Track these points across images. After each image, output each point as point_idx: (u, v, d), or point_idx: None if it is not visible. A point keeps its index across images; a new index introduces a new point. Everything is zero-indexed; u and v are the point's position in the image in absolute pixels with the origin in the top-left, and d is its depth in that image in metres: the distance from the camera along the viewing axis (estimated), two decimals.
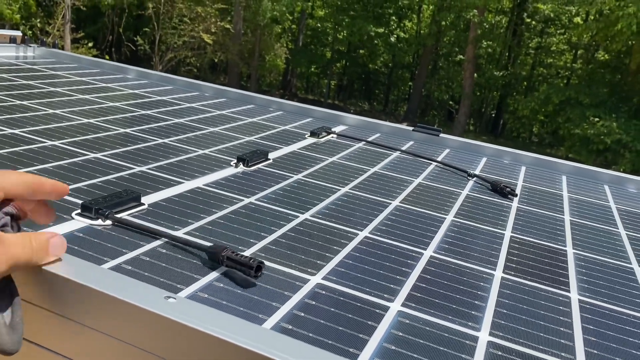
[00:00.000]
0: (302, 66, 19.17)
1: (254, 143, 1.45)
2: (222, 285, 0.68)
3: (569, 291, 0.83)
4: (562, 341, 0.68)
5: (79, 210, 0.82)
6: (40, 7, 14.39)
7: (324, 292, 0.71)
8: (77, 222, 0.80)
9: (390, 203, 1.12)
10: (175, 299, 0.56)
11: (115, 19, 15.63)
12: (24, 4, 13.23)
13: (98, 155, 1.16)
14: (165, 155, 1.22)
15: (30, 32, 13.22)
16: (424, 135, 1.79)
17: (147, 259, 0.72)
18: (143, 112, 1.62)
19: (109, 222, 0.81)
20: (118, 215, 0.84)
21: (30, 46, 2.30)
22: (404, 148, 1.64)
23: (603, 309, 0.79)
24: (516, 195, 1.31)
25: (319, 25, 19.58)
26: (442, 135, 1.77)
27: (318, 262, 0.80)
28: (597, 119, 11.45)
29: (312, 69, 21.10)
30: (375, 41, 17.31)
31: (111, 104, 1.66)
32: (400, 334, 0.64)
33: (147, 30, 15.51)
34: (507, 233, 1.06)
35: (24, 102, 1.50)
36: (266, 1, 13.29)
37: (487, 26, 16.37)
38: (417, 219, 1.05)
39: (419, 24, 19.59)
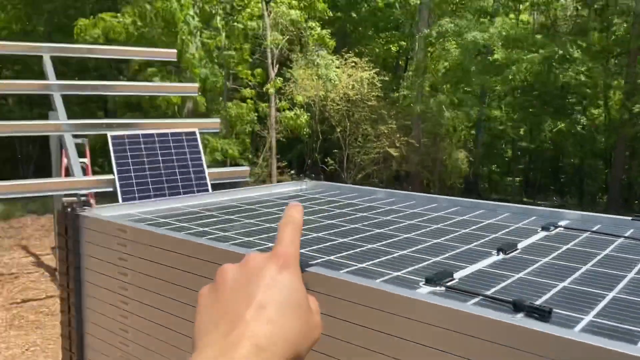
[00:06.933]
0: (487, 165, 19.36)
1: (499, 239, 1.92)
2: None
3: None
4: None
5: (423, 282, 1.37)
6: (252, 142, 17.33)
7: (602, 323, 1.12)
8: (425, 288, 1.34)
9: (626, 275, 1.48)
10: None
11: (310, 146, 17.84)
12: (241, 141, 16.07)
13: (407, 252, 1.73)
14: (447, 250, 1.75)
15: (246, 162, 15.88)
16: None
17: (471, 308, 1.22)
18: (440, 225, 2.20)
19: (442, 288, 1.34)
20: (447, 284, 1.36)
21: (305, 181, 3.14)
22: (626, 235, 1.95)
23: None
24: None
25: (499, 126, 19.86)
26: None
27: (591, 301, 1.21)
28: None
29: (493, 168, 21.12)
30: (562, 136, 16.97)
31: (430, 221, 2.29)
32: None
33: (336, 152, 17.43)
34: None
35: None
36: (449, 113, 14.19)
37: None
38: None
39: (606, 110, 18.73)
